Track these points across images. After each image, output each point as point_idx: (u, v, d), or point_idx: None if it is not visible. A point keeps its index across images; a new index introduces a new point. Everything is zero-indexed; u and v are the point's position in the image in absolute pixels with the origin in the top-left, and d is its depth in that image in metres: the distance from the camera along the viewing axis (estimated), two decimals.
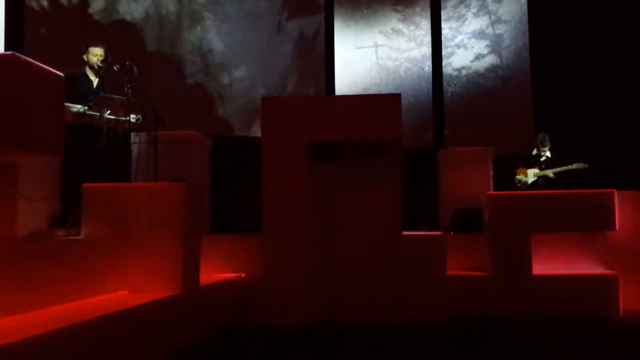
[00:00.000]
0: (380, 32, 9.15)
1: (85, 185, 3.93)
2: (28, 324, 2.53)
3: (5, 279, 2.65)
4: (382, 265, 4.63)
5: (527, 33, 8.60)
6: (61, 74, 2.95)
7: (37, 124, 2.67)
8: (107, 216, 3.78)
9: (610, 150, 7.74)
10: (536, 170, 6.92)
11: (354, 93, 8.76)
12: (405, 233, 4.81)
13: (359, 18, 9.22)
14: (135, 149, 5.39)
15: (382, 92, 8.66)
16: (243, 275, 4.87)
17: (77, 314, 2.81)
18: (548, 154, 6.98)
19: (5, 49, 6.48)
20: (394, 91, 8.63)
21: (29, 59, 2.75)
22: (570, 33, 8.29)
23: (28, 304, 2.80)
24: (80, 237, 3.83)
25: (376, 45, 9.17)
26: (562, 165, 6.84)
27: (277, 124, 4.69)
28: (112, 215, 3.78)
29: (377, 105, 4.66)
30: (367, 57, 9.14)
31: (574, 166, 6.75)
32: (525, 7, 8.68)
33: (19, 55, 2.60)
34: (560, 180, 6.87)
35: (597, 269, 5.19)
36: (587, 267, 5.23)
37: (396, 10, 9.16)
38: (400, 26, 9.11)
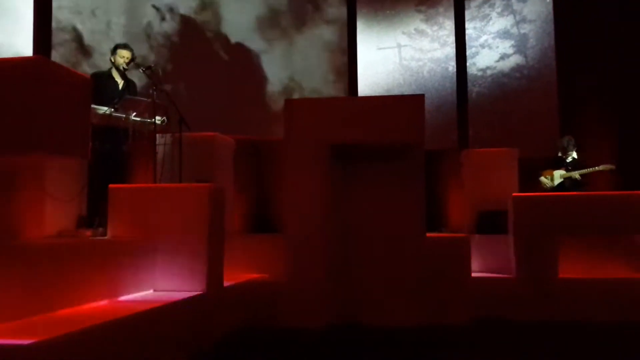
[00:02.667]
0: (403, 33, 9.10)
1: (111, 186, 3.99)
2: (54, 323, 2.57)
3: (33, 278, 2.69)
4: (405, 268, 4.59)
5: (553, 33, 8.48)
6: (88, 77, 2.99)
7: (64, 126, 2.71)
8: (132, 217, 3.83)
9: (638, 151, 7.60)
10: (562, 172, 6.82)
11: (377, 94, 8.72)
12: (428, 235, 4.78)
13: (382, 19, 9.18)
14: (160, 150, 5.44)
15: (405, 93, 8.61)
16: (266, 276, 4.89)
17: (103, 314, 2.85)
18: (574, 155, 6.88)
19: (34, 53, 6.60)
20: (417, 92, 8.57)
21: (56, 62, 2.80)
22: (597, 32, 8.15)
23: (55, 304, 2.84)
24: (106, 238, 3.88)
25: (399, 46, 9.12)
26: (588, 167, 6.74)
27: (299, 125, 4.69)
28: (137, 216, 3.83)
29: (401, 106, 4.64)
30: (389, 58, 9.10)
31: (601, 167, 6.64)
32: (550, 6, 8.56)
33: (46, 58, 2.64)
34: (587, 182, 6.77)
35: (626, 272, 5.09)
36: (615, 271, 5.14)
37: (419, 11, 9.10)
38: (424, 26, 9.05)
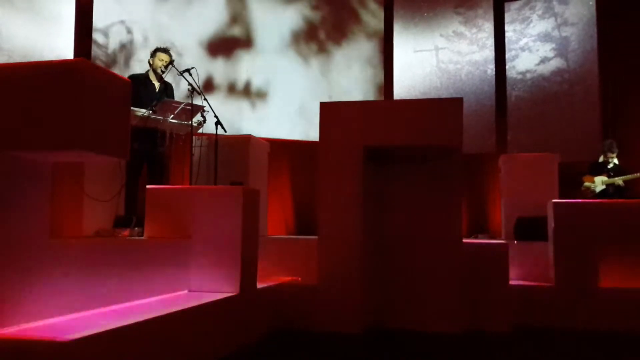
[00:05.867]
0: (441, 35, 9.01)
1: (148, 187, 4.04)
2: (90, 321, 2.60)
3: (70, 277, 2.73)
4: (442, 274, 4.52)
5: (595, 36, 8.27)
6: (128, 80, 3.03)
7: (104, 126, 2.75)
8: (169, 217, 3.87)
9: None
10: (604, 178, 6.64)
11: (413, 97, 8.64)
12: (465, 241, 4.70)
13: (419, 21, 9.10)
14: (196, 152, 5.50)
15: (442, 96, 8.51)
16: (299, 278, 4.88)
17: (138, 313, 2.87)
18: (616, 161, 6.70)
19: (75, 56, 6.75)
20: (454, 95, 8.47)
21: (97, 65, 2.84)
22: None
23: (91, 302, 2.88)
24: (143, 238, 3.93)
25: (436, 49, 9.03)
26: (632, 173, 6.56)
27: (334, 128, 4.66)
28: (173, 216, 3.86)
29: (438, 110, 4.57)
30: (426, 61, 9.01)
31: None
32: (593, 8, 8.35)
33: (87, 61, 2.67)
34: (631, 188, 6.59)
35: None
36: None
37: (458, 13, 8.99)
38: (462, 29, 8.94)
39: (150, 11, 7.63)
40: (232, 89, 8.26)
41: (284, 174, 8.26)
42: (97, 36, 7.17)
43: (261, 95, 8.45)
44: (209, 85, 7.96)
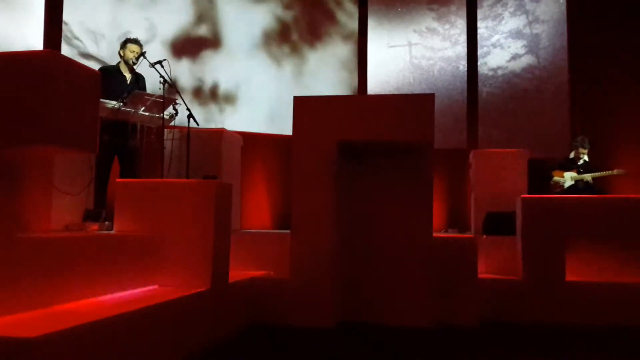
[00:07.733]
0: (415, 31, 9.05)
1: (118, 180, 3.99)
2: (59, 317, 2.57)
3: (39, 271, 2.70)
4: (412, 268, 4.57)
5: (566, 33, 8.41)
6: (97, 71, 2.99)
7: (73, 119, 2.71)
8: (139, 212, 3.83)
9: None
10: (574, 174, 6.77)
11: (386, 92, 8.68)
12: (435, 235, 4.75)
13: (393, 16, 9.13)
14: (168, 145, 5.45)
15: (415, 92, 8.56)
16: (271, 273, 4.89)
17: (107, 308, 2.85)
18: (586, 157, 6.83)
19: (44, 47, 6.63)
20: (427, 91, 8.53)
21: (66, 56, 2.80)
22: (611, 33, 8.08)
23: (60, 297, 2.85)
24: (112, 232, 3.89)
25: (410, 44, 9.07)
26: (601, 170, 6.70)
27: (308, 122, 4.67)
28: (144, 210, 3.83)
29: (410, 105, 4.61)
30: (400, 56, 9.05)
31: (615, 172, 6.60)
32: (564, 6, 8.48)
33: (56, 52, 2.63)
34: (599, 185, 6.73)
35: (634, 277, 5.03)
36: (623, 274, 5.08)
37: (431, 9, 9.04)
38: (435, 25, 9.00)
39: (119, 3, 7.49)
40: (198, 92, 7.94)
41: (257, 167, 8.23)
42: (67, 27, 7.03)
43: (229, 99, 8.17)
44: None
